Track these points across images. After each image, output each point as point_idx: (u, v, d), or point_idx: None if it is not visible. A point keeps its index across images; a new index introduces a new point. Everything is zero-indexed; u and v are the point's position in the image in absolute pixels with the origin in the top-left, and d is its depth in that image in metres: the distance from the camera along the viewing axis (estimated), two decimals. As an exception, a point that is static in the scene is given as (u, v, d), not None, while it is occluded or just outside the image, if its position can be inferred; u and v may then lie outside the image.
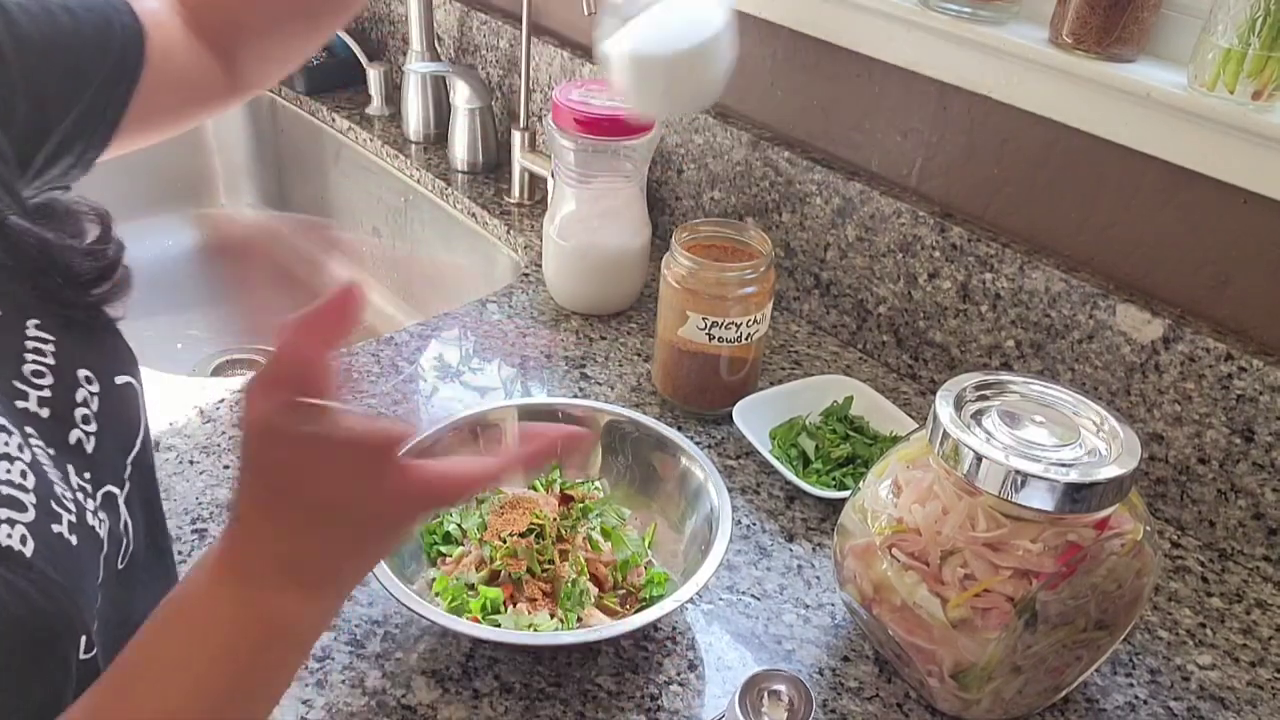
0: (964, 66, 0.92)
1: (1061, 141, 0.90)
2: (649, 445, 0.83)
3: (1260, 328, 0.83)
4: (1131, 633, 0.78)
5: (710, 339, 0.92)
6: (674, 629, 0.76)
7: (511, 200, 1.33)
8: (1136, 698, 0.74)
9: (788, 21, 1.04)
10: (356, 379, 0.97)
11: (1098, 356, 0.90)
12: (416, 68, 1.42)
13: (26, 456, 0.45)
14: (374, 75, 1.53)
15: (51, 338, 0.50)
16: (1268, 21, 0.74)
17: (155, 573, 0.60)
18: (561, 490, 0.81)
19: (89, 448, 0.51)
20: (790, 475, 0.87)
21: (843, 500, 0.75)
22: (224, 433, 0.90)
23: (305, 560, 0.46)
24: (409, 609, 0.68)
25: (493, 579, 0.73)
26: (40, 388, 0.49)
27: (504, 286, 1.17)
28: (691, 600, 0.71)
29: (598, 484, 0.83)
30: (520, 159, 1.30)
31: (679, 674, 0.72)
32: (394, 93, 1.54)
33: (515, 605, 0.72)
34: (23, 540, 0.43)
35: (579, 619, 0.72)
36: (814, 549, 0.83)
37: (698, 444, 0.86)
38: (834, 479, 0.88)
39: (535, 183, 1.32)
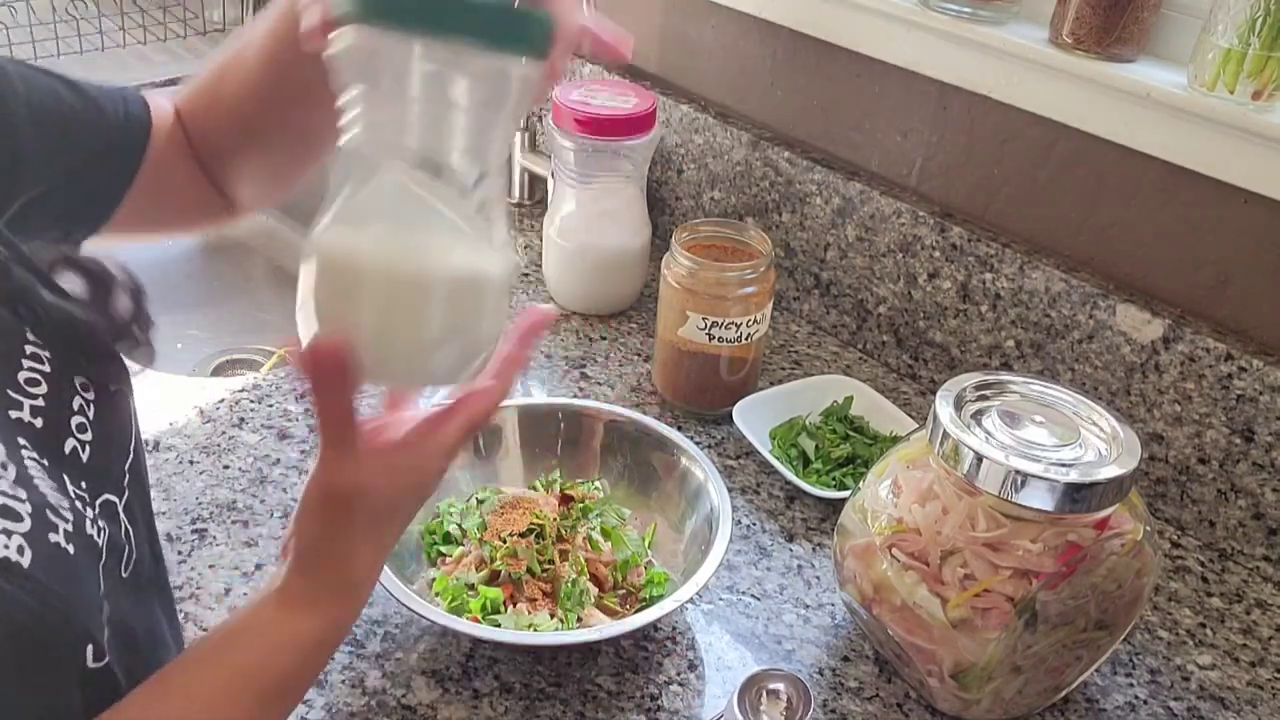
0: (964, 66, 0.92)
1: (1061, 141, 0.90)
2: (649, 445, 0.83)
3: (1260, 328, 0.83)
4: (1131, 633, 0.78)
5: (710, 339, 0.92)
6: (674, 629, 0.76)
7: (511, 200, 1.33)
8: (1136, 698, 0.74)
9: (788, 21, 1.05)
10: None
11: (1098, 356, 0.90)
12: (416, 68, 1.42)
13: (12, 472, 0.45)
14: (374, 75, 1.53)
15: (48, 346, 0.50)
16: (1268, 21, 0.74)
17: (156, 580, 0.60)
18: (561, 490, 0.81)
19: (84, 456, 0.50)
20: (790, 475, 0.87)
21: (843, 500, 0.75)
22: (224, 433, 0.90)
23: (365, 569, 0.52)
24: (409, 609, 0.68)
25: (493, 579, 0.73)
26: (34, 396, 0.49)
27: (504, 286, 1.17)
28: (691, 600, 0.71)
29: (598, 484, 0.83)
30: (520, 159, 1.30)
31: (679, 674, 0.72)
32: (394, 93, 1.54)
33: (515, 605, 0.72)
34: (20, 551, 0.42)
35: (579, 619, 0.72)
36: (814, 549, 0.83)
37: (698, 444, 0.86)
38: (834, 479, 0.88)
39: (535, 183, 1.32)
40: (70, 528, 0.46)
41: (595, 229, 1.08)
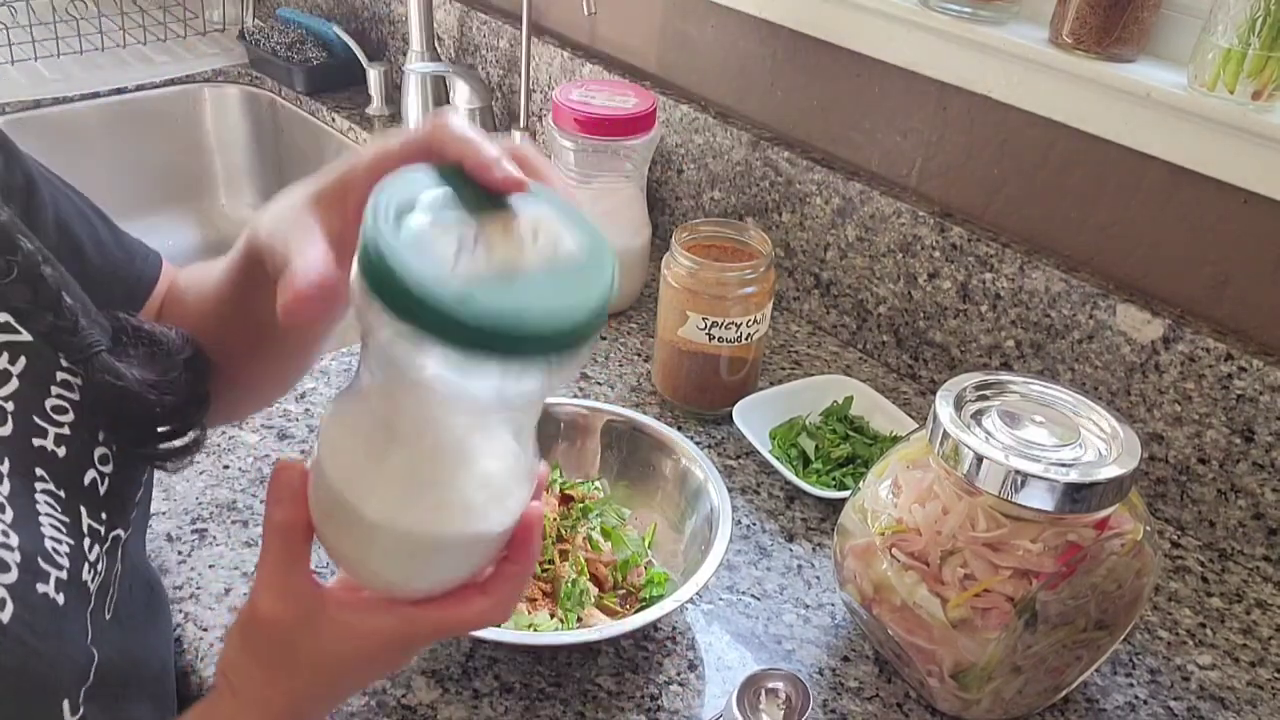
0: (964, 67, 0.92)
1: (1061, 141, 0.90)
2: (649, 445, 0.83)
3: (1260, 328, 0.83)
4: (1131, 633, 0.78)
5: (710, 339, 0.92)
6: (674, 629, 0.76)
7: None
8: (1136, 698, 0.74)
9: (788, 21, 1.05)
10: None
11: (1098, 356, 0.90)
12: (416, 68, 1.42)
13: (9, 515, 0.44)
14: (374, 75, 1.53)
15: (81, 374, 0.49)
16: (1268, 21, 0.74)
17: (153, 606, 0.60)
18: (561, 490, 0.81)
19: (103, 489, 0.49)
20: (790, 475, 0.87)
21: (843, 500, 0.75)
22: (224, 432, 0.90)
23: (311, 714, 0.47)
24: (409, 609, 0.68)
25: (493, 579, 0.73)
26: (60, 425, 0.48)
27: (504, 286, 1.16)
28: (691, 600, 0.71)
29: (598, 484, 0.83)
30: (520, 159, 1.30)
31: (679, 674, 0.72)
32: (394, 93, 1.54)
33: (515, 605, 0.72)
34: (1, 605, 0.42)
35: (579, 619, 0.72)
36: (814, 549, 0.83)
37: (698, 444, 0.86)
38: (834, 479, 0.88)
39: (535, 183, 1.32)
40: (65, 575, 0.45)
41: (595, 229, 1.08)
